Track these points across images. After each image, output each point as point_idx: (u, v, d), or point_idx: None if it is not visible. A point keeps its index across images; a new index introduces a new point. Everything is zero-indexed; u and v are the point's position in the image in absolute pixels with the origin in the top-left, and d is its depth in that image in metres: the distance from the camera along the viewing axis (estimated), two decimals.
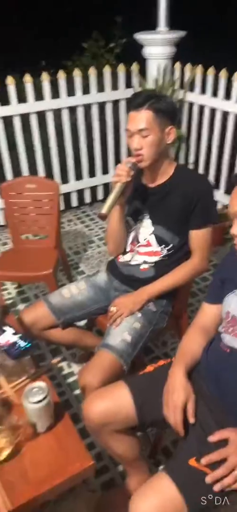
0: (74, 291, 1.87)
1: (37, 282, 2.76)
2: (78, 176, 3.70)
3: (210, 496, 1.11)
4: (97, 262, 3.05)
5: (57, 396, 1.24)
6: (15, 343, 1.23)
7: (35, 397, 1.07)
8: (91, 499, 1.56)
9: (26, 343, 1.24)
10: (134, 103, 1.60)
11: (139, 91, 1.85)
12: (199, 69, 3.35)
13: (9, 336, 1.26)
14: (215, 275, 1.47)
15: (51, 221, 2.45)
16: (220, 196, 3.36)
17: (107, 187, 3.77)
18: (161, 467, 1.70)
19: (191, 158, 3.68)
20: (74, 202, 3.77)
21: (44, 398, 1.07)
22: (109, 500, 1.57)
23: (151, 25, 3.50)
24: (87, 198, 3.83)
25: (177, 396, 1.24)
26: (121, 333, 1.65)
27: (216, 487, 1.10)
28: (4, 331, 1.28)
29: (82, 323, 2.08)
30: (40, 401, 1.07)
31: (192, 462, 1.15)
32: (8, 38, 6.02)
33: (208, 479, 1.11)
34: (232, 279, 1.32)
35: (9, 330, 1.28)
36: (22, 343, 1.23)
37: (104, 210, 1.56)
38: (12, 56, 4.81)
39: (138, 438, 1.47)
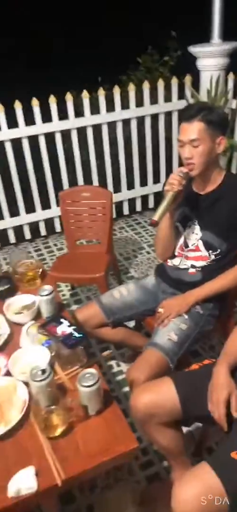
0: (124, 293, 1.98)
1: (89, 284, 2.91)
2: (130, 186, 3.83)
3: None
4: (147, 268, 3.15)
5: (106, 385, 1.34)
6: (70, 334, 1.37)
7: (87, 381, 1.18)
8: (136, 490, 1.65)
9: (79, 335, 1.36)
10: (186, 115, 1.67)
11: (192, 103, 1.93)
12: None
13: (65, 327, 1.40)
14: None
15: (104, 227, 2.59)
16: None
17: (158, 196, 3.87)
18: None
19: None
20: (126, 210, 3.91)
21: (95, 383, 1.18)
22: (153, 492, 1.64)
23: (206, 37, 3.56)
24: (138, 206, 3.94)
25: (221, 391, 1.29)
26: (168, 332, 1.72)
27: None
28: (61, 323, 1.42)
29: (131, 325, 2.17)
30: (91, 385, 1.18)
31: (234, 455, 1.20)
32: (68, 57, 6.42)
33: None
34: None
35: (65, 322, 1.42)
36: (76, 334, 1.36)
37: (156, 217, 1.65)
38: (71, 73, 5.07)
39: (182, 432, 1.53)
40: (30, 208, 3.60)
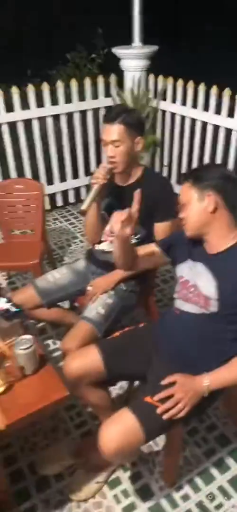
0: (56, 276, 2.19)
1: (25, 271, 3.07)
2: (62, 178, 4.02)
3: (160, 423, 1.45)
4: (80, 256, 3.37)
5: (41, 349, 1.56)
6: (8, 309, 1.56)
7: (23, 345, 1.39)
8: (71, 444, 1.90)
9: (16, 309, 1.56)
10: (108, 117, 1.92)
11: (113, 106, 2.18)
12: (170, 80, 3.72)
13: (3, 304, 1.59)
14: (171, 236, 1.82)
15: (37, 217, 2.77)
16: None
17: (89, 187, 4.11)
18: None
19: (165, 161, 4.04)
20: (59, 201, 4.09)
21: (30, 346, 1.40)
22: (87, 445, 1.89)
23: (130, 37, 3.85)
24: (71, 198, 4.15)
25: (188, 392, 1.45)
26: (96, 307, 1.97)
27: (165, 416, 1.43)
28: None
29: (66, 305, 2.40)
30: (27, 348, 1.39)
31: (147, 399, 1.48)
32: None
33: (159, 411, 1.43)
34: (184, 251, 1.66)
35: (2, 300, 1.61)
36: (13, 309, 1.56)
37: (83, 206, 1.90)
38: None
39: (108, 391, 1.79)
40: None
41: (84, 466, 1.79)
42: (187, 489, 1.76)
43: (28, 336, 1.43)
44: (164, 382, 1.50)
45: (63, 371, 1.66)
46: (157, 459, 1.87)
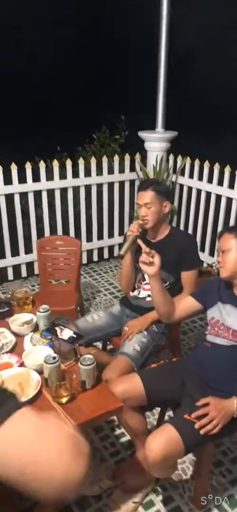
0: (95, 318, 2.51)
1: (62, 315, 3.36)
2: (88, 239, 4.45)
3: (197, 437, 1.70)
4: (105, 308, 3.69)
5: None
6: (72, 336, 1.88)
7: (86, 362, 1.69)
8: (108, 468, 2.11)
9: (77, 335, 1.88)
10: (142, 186, 2.38)
11: (146, 179, 2.63)
12: (187, 159, 4.26)
13: (69, 332, 1.91)
14: (203, 286, 2.15)
15: (74, 270, 3.14)
16: (205, 257, 4.12)
17: (112, 249, 4.55)
18: None
19: (181, 228, 4.47)
20: (84, 259, 4.49)
21: (92, 364, 1.69)
22: (122, 469, 2.10)
23: (151, 122, 4.47)
24: (95, 257, 4.55)
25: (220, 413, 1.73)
26: (133, 344, 2.27)
27: (201, 431, 1.70)
28: (62, 329, 1.93)
29: (99, 346, 2.68)
30: (89, 365, 1.68)
31: (186, 416, 1.75)
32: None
33: (196, 426, 1.71)
34: (214, 296, 1.99)
35: (67, 330, 1.93)
36: (75, 335, 1.88)
37: (122, 251, 2.28)
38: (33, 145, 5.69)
39: (145, 417, 2.04)
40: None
41: (121, 488, 2.00)
42: (215, 511, 1.96)
43: (90, 356, 1.73)
44: (199, 403, 1.77)
45: None
46: (186, 486, 2.07)
